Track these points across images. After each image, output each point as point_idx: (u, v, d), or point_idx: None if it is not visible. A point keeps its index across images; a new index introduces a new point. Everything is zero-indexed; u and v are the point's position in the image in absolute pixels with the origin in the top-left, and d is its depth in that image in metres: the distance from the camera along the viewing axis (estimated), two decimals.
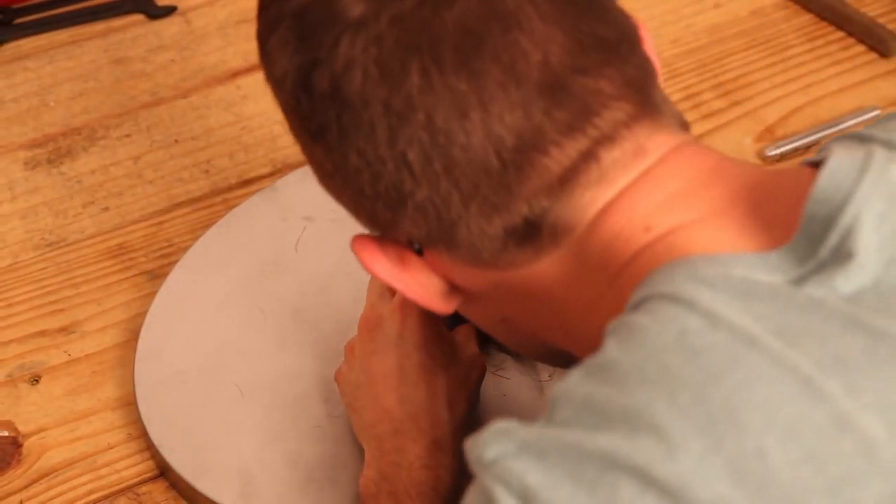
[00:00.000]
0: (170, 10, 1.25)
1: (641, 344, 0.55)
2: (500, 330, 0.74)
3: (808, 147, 1.07)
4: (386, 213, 0.64)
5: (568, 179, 0.61)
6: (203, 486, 0.85)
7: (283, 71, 0.64)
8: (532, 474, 0.53)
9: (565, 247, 0.63)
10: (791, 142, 1.08)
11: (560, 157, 0.61)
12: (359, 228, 0.69)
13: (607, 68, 0.62)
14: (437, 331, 0.81)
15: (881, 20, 1.18)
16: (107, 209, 1.07)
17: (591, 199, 0.62)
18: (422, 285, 0.68)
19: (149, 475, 0.89)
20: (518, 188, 0.61)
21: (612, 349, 0.56)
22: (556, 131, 0.60)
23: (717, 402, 0.52)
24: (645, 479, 0.51)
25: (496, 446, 0.54)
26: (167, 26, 1.25)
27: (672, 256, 0.59)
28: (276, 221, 1.02)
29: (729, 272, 0.56)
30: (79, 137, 1.14)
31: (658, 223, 0.61)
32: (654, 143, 0.63)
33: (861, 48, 1.18)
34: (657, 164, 0.62)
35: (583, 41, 0.61)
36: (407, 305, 0.81)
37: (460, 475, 0.78)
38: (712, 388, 0.53)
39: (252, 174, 1.10)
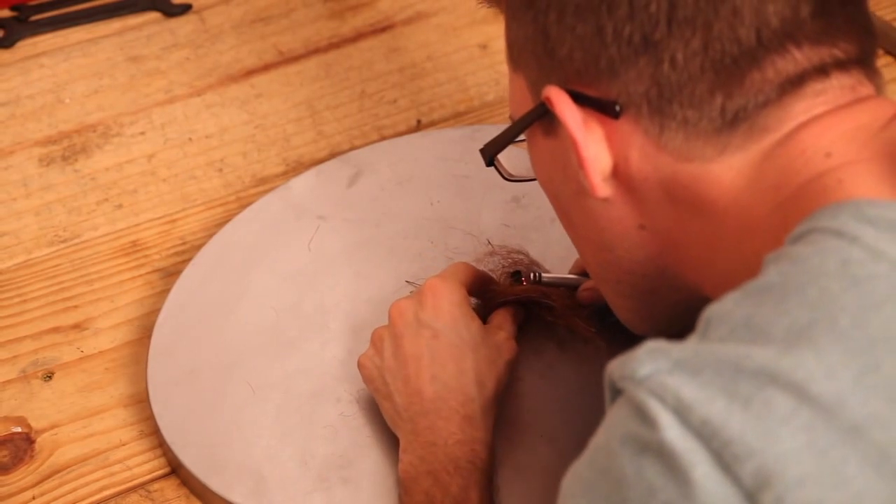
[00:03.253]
0: (185, 9, 1.26)
1: (803, 270, 0.57)
2: (624, 241, 0.73)
3: None
4: (614, 61, 0.65)
5: (799, 81, 0.64)
6: (214, 483, 0.85)
7: None
8: (687, 389, 0.54)
9: (750, 153, 0.65)
10: None
11: (809, 55, 0.64)
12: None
13: (864, 13, 0.66)
14: (466, 313, 0.84)
15: None
16: (120, 206, 1.08)
17: (800, 111, 0.64)
18: (593, 154, 0.68)
19: (160, 472, 0.89)
20: (759, 71, 0.64)
21: (772, 274, 0.58)
22: (813, 33, 0.64)
23: (877, 326, 0.54)
24: (801, 395, 0.52)
25: (651, 363, 0.55)
26: (182, 24, 1.25)
27: (838, 195, 0.60)
28: (289, 220, 1.02)
29: (893, 216, 0.58)
30: (93, 135, 1.14)
31: (839, 151, 0.62)
32: (866, 87, 0.66)
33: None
34: (857, 101, 0.65)
35: None
36: (436, 287, 0.84)
37: (494, 450, 0.81)
38: (872, 314, 0.54)
39: (265, 173, 1.10)
